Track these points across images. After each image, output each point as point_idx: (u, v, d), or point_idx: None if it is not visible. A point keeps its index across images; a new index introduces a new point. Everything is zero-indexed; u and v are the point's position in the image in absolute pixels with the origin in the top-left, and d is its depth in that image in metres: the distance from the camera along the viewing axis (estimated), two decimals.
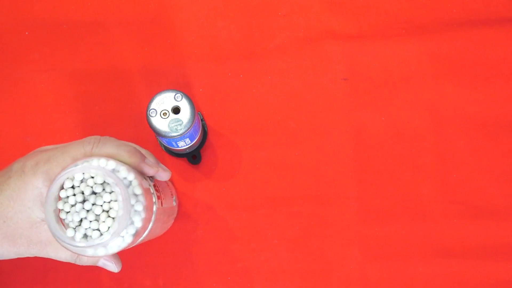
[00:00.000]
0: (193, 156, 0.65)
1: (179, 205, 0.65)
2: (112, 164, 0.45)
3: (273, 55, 0.68)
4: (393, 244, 0.64)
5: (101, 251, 0.45)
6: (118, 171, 0.45)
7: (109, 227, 0.44)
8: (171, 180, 0.65)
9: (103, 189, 0.45)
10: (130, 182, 0.46)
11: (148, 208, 0.46)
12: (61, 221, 0.45)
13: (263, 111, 0.67)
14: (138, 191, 0.45)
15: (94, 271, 0.64)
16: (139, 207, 0.45)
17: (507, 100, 0.66)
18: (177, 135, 0.58)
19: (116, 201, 0.44)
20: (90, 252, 0.45)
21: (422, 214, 0.65)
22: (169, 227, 0.64)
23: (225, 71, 0.68)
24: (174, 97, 0.58)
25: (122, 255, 0.64)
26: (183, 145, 0.61)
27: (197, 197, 0.65)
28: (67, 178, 0.44)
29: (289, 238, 0.65)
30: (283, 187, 0.65)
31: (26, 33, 0.69)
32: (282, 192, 0.65)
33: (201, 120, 0.66)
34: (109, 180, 0.44)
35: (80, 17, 0.69)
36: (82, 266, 0.64)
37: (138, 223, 0.45)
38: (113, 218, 0.44)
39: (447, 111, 0.66)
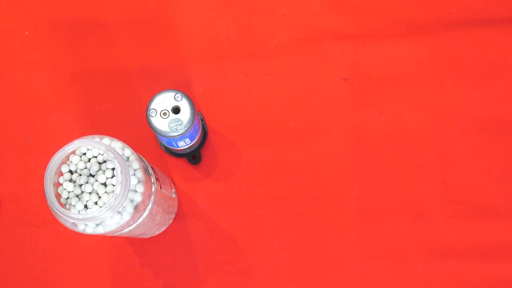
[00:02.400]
0: (193, 156, 0.65)
1: (179, 205, 0.65)
2: (107, 140, 0.46)
3: (273, 55, 0.68)
4: (393, 244, 0.64)
5: (99, 229, 0.45)
6: (113, 148, 0.46)
7: (105, 202, 0.45)
8: (170, 177, 0.65)
9: (100, 168, 0.45)
10: (128, 157, 0.46)
11: (146, 186, 0.47)
12: (59, 196, 0.46)
13: (263, 111, 0.67)
14: (136, 165, 0.46)
15: (93, 271, 0.64)
16: (136, 181, 0.46)
17: (507, 100, 0.66)
18: (177, 135, 0.58)
19: (114, 176, 0.45)
20: (88, 229, 0.45)
21: (422, 214, 0.65)
22: (169, 223, 0.64)
23: (225, 71, 0.68)
24: (174, 97, 0.58)
25: (122, 255, 0.64)
26: (183, 145, 0.61)
27: (197, 197, 0.65)
28: (67, 153, 0.45)
29: (289, 238, 0.65)
30: (283, 187, 0.65)
31: (26, 33, 0.69)
32: (282, 192, 0.65)
33: (201, 120, 0.66)
34: (108, 153, 0.44)
35: (80, 17, 0.69)
36: (82, 266, 0.64)
37: (137, 197, 0.46)
38: (108, 192, 0.45)
39: (447, 111, 0.66)
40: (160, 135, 0.58)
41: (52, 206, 0.44)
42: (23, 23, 0.69)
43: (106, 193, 0.45)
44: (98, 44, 0.68)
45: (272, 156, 0.66)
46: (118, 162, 0.44)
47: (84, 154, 0.46)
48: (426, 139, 0.66)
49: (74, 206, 0.45)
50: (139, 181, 0.46)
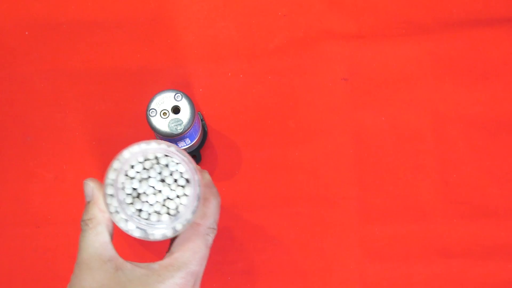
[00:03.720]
0: (193, 156, 0.65)
1: None
2: (173, 149, 0.45)
3: (273, 55, 0.68)
4: (393, 244, 0.64)
5: (157, 235, 0.44)
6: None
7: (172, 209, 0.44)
8: None
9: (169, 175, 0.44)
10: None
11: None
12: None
13: (263, 111, 0.67)
14: (198, 180, 0.45)
15: None
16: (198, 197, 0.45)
17: (507, 100, 0.66)
18: (177, 135, 0.58)
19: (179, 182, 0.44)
20: (138, 233, 0.44)
21: (422, 214, 0.65)
22: None
23: (225, 71, 0.68)
24: (174, 97, 0.58)
25: (122, 255, 0.64)
26: (183, 145, 0.61)
27: None
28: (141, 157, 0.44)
29: (289, 238, 0.65)
30: (283, 187, 0.65)
31: (26, 33, 0.69)
32: (282, 192, 0.65)
33: (201, 120, 0.66)
34: (188, 170, 0.44)
35: (80, 17, 0.69)
36: None
37: (192, 214, 0.45)
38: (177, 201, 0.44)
39: (447, 111, 0.66)
40: (160, 135, 0.58)
41: (122, 205, 0.43)
42: (23, 23, 0.69)
43: (173, 203, 0.44)
44: (98, 44, 0.68)
45: (272, 156, 0.66)
46: (194, 179, 0.43)
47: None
48: (426, 139, 0.66)
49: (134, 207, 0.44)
50: (199, 196, 0.45)
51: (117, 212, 0.44)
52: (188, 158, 0.45)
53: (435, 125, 0.66)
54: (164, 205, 0.45)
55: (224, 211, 0.65)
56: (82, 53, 0.68)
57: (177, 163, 0.45)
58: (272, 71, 0.67)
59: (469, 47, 0.67)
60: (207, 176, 0.48)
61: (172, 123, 0.58)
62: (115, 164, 0.44)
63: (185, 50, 0.68)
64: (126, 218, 0.43)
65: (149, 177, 0.44)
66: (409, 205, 0.65)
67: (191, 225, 0.45)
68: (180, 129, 0.58)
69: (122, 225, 0.44)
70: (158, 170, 0.44)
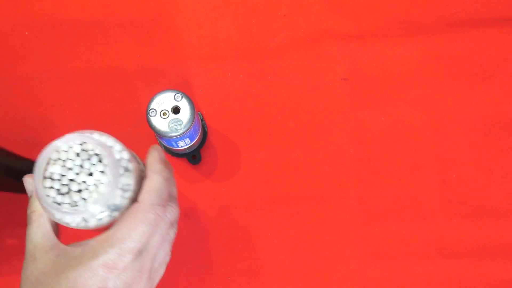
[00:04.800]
0: (193, 156, 0.65)
1: (179, 205, 0.65)
2: (96, 135, 0.45)
3: (273, 55, 0.68)
4: (393, 244, 0.64)
5: (92, 222, 0.44)
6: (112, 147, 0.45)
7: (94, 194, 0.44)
8: None
9: (92, 164, 0.45)
10: (120, 153, 0.46)
11: (138, 185, 0.46)
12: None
13: (263, 111, 0.67)
14: (130, 166, 0.45)
15: None
16: (129, 181, 0.45)
17: (507, 100, 0.66)
18: (177, 135, 0.58)
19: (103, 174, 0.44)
20: (73, 222, 0.44)
21: (422, 214, 0.65)
22: None
23: (225, 71, 0.68)
24: (174, 97, 0.58)
25: None
26: (183, 145, 0.61)
27: (197, 197, 0.65)
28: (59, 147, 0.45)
29: (289, 238, 0.65)
30: (283, 187, 0.65)
31: (26, 33, 0.69)
32: (282, 192, 0.65)
33: (201, 120, 0.66)
34: (99, 148, 0.44)
35: (80, 17, 0.69)
36: None
37: (124, 199, 0.45)
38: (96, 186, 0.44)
39: (447, 111, 0.66)
40: (160, 135, 0.58)
41: (44, 200, 0.43)
42: (23, 23, 0.69)
43: (95, 187, 0.44)
44: (98, 44, 0.68)
45: (272, 156, 0.66)
46: (108, 158, 0.43)
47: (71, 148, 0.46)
48: (426, 139, 0.66)
49: (63, 200, 0.44)
50: (131, 181, 0.45)
51: (46, 203, 0.44)
52: (112, 141, 0.45)
53: (435, 125, 0.66)
54: (86, 189, 0.44)
55: (224, 211, 0.65)
56: (82, 53, 0.68)
57: (96, 149, 0.45)
58: (272, 71, 0.67)
59: (469, 47, 0.67)
60: (155, 154, 0.48)
61: (172, 123, 0.58)
62: (40, 158, 0.45)
63: (185, 50, 0.68)
64: (46, 206, 0.44)
65: (69, 164, 0.45)
66: (409, 205, 0.65)
67: (133, 204, 0.45)
68: (180, 129, 0.58)
69: (56, 216, 0.44)
70: (78, 162, 0.44)
